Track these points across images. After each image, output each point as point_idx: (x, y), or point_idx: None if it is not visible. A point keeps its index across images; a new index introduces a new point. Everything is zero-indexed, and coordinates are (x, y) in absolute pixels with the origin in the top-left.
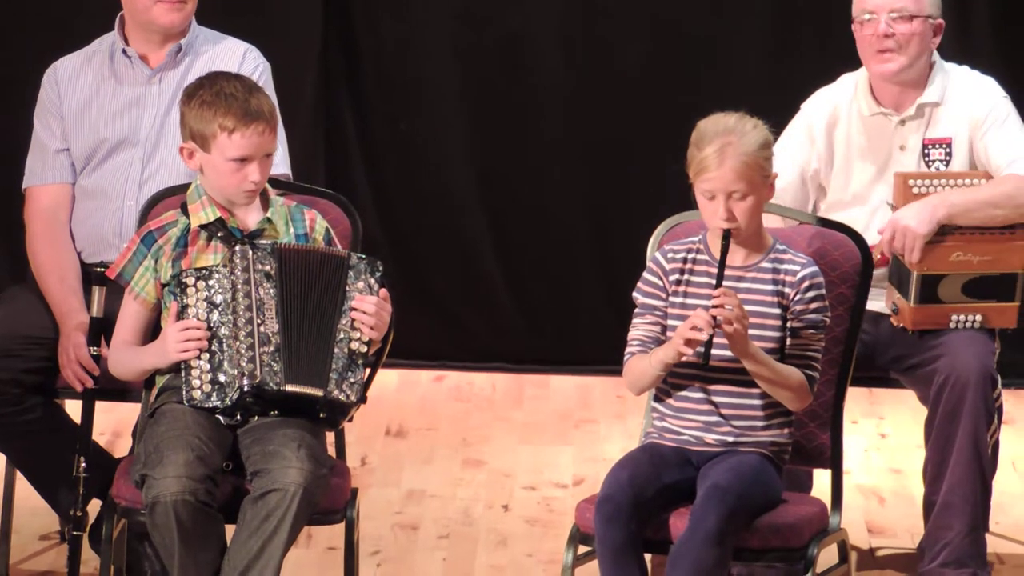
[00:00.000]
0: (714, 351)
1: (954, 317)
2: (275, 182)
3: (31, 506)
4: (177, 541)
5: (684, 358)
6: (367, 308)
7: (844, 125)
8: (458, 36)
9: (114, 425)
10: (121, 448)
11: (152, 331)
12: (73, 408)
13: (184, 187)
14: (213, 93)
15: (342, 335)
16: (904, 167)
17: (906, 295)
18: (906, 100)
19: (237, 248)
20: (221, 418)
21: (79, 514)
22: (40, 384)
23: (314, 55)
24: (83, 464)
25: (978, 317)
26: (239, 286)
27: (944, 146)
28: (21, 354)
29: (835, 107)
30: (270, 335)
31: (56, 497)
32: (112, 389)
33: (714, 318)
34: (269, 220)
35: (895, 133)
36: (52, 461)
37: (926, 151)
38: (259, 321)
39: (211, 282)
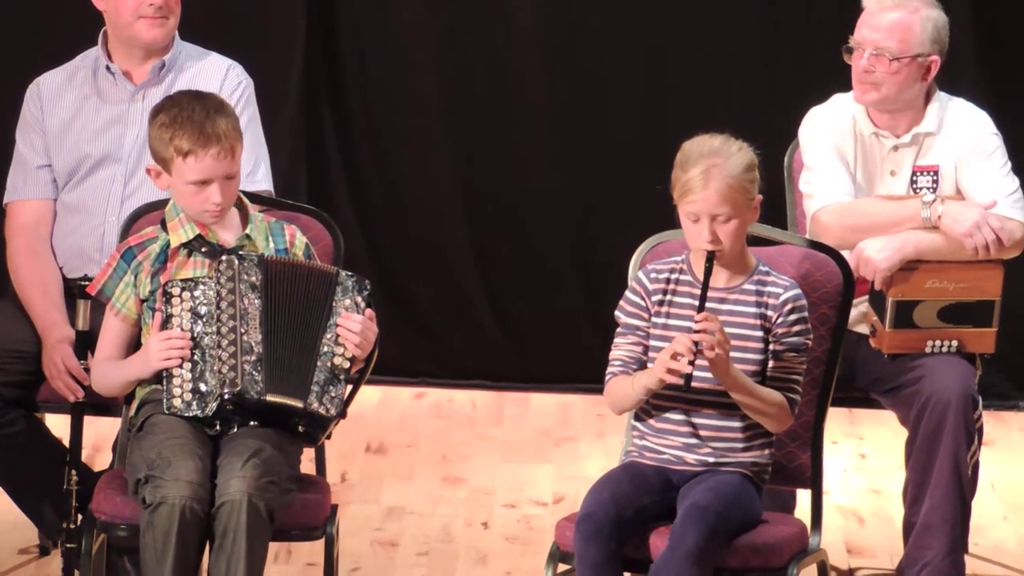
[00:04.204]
0: (696, 374)
1: (929, 343)
2: (256, 198)
3: (11, 520)
4: (175, 544)
5: (666, 383)
6: (352, 326)
7: (843, 142)
8: (442, 53)
9: (94, 439)
10: (100, 463)
11: (133, 346)
12: (53, 423)
13: (164, 203)
14: (171, 116)
15: (326, 349)
16: (893, 191)
17: (882, 319)
18: (899, 125)
19: (224, 258)
20: (203, 428)
21: (72, 527)
22: (21, 398)
23: (297, 71)
24: (75, 477)
25: (954, 343)
26: (224, 295)
27: (931, 174)
28: (2, 368)
29: (836, 124)
30: (253, 345)
31: (37, 511)
32: (98, 403)
33: (696, 344)
34: (248, 236)
35: (888, 158)
36: (32, 475)
37: (914, 178)
38: (243, 331)
39: (196, 293)
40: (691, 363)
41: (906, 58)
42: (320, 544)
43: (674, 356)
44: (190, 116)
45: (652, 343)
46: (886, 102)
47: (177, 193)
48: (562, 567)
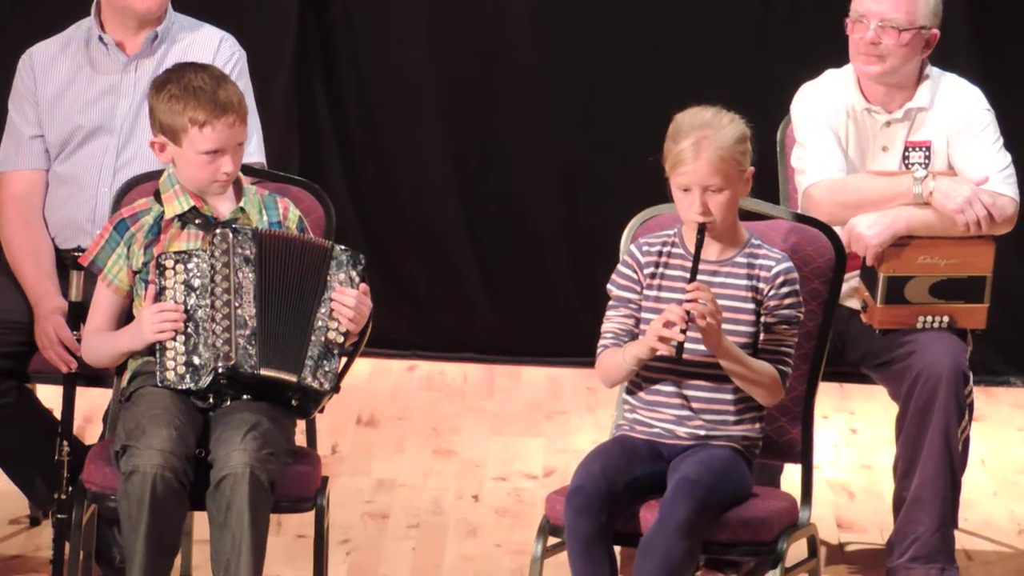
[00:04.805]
0: (687, 345)
1: (921, 318)
2: (249, 170)
3: (1, 490)
4: (147, 513)
5: (658, 352)
6: (347, 301)
7: (835, 118)
8: (434, 26)
9: (85, 411)
10: (91, 434)
11: (125, 318)
12: (43, 394)
13: (157, 174)
14: (181, 87)
15: (320, 323)
16: (885, 167)
17: (873, 295)
18: (892, 100)
19: (218, 231)
20: (195, 401)
21: (63, 497)
22: (13, 369)
23: (290, 43)
24: (66, 448)
25: (945, 318)
26: (218, 268)
27: (924, 149)
28: None
29: (828, 100)
30: (247, 318)
31: (27, 482)
32: (90, 374)
33: (688, 313)
34: (242, 209)
35: (880, 133)
36: (23, 446)
37: (907, 153)
38: (237, 304)
39: (190, 265)
40: (683, 332)
41: (913, 30)
42: (310, 516)
43: (666, 325)
44: (202, 87)
45: (644, 316)
46: (889, 75)
47: (186, 164)
48: (552, 540)
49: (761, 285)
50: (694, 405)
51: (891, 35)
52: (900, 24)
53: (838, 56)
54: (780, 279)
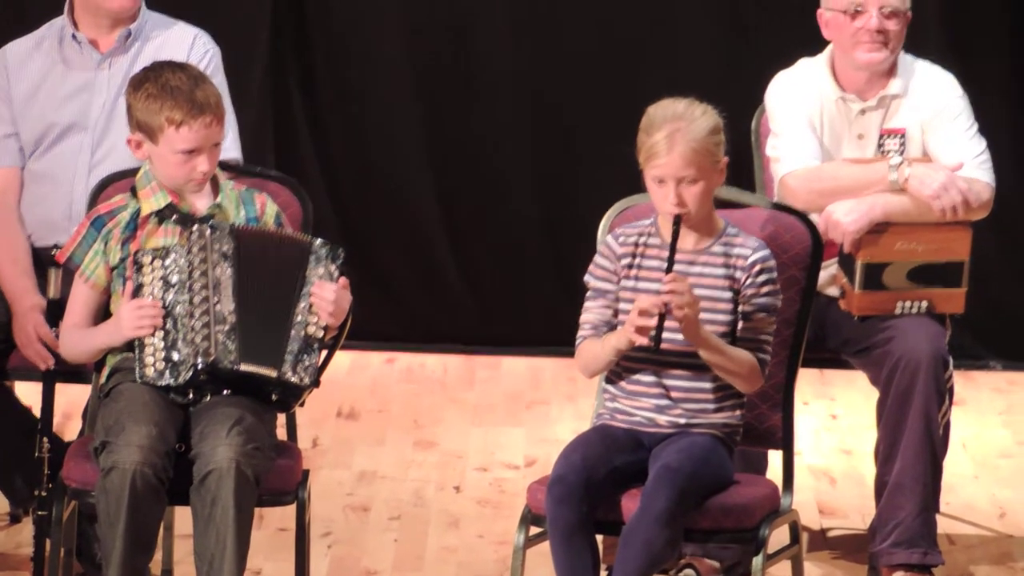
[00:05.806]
0: (666, 335)
1: (900, 304)
2: (225, 166)
3: None
4: (125, 510)
5: (636, 343)
6: (326, 295)
7: (810, 107)
8: (408, 17)
9: (64, 407)
10: (71, 431)
11: (102, 314)
12: (23, 391)
13: (133, 172)
14: (159, 86)
15: (299, 318)
16: (860, 155)
17: (851, 281)
18: (870, 89)
19: (195, 227)
20: (174, 397)
21: (43, 494)
22: None
23: (264, 38)
24: (46, 444)
25: (924, 303)
26: (196, 264)
27: (898, 136)
28: None
29: (803, 88)
30: (225, 314)
31: (7, 480)
32: (69, 370)
33: (665, 304)
34: (219, 206)
35: (855, 121)
36: (3, 443)
37: (882, 141)
38: (215, 300)
39: (167, 261)
40: (661, 321)
41: (907, 13)
42: (291, 509)
43: (642, 315)
44: (179, 86)
45: (621, 306)
46: (887, 61)
47: (162, 162)
48: (534, 530)
49: (738, 274)
50: (674, 394)
51: (894, 21)
52: (899, 8)
53: (812, 45)
54: (757, 267)
